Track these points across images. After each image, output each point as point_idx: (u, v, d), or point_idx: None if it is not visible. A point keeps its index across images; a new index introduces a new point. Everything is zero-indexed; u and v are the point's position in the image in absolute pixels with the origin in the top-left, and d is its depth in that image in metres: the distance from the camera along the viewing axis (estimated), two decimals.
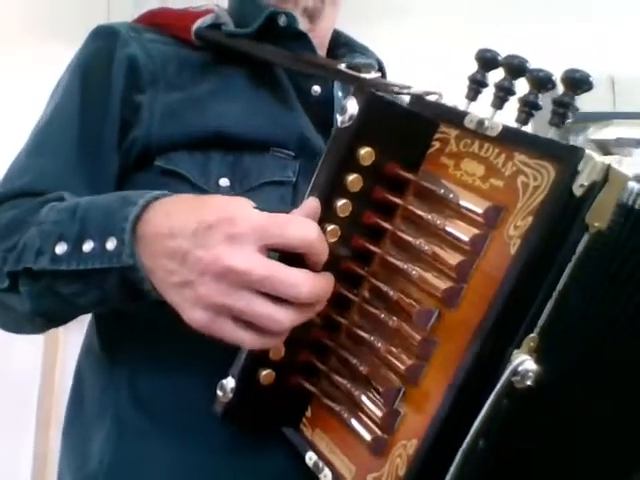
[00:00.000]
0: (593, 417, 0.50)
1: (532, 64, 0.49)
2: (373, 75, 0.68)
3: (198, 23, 0.73)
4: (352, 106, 0.50)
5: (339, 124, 0.51)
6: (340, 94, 0.76)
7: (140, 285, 0.53)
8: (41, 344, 1.96)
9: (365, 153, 0.51)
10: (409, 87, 0.64)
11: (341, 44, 0.83)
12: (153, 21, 0.77)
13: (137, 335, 0.67)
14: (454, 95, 0.57)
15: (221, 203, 0.50)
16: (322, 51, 0.79)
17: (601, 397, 0.50)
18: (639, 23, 2.18)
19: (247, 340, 0.49)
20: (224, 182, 0.66)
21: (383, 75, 0.81)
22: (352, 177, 0.51)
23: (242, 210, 0.49)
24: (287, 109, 0.72)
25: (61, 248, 0.56)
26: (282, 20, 0.72)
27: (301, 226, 0.48)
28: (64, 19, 2.00)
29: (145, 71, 0.70)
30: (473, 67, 0.53)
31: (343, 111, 0.50)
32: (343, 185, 0.51)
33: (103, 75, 0.70)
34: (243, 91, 0.71)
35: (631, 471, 0.52)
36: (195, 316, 0.49)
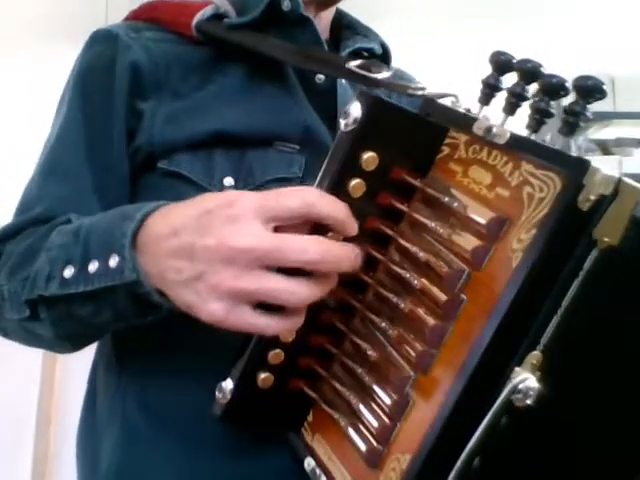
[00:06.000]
0: (595, 433, 0.47)
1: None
2: (385, 75, 0.65)
3: (198, 17, 0.70)
4: (356, 110, 0.48)
5: (342, 127, 0.49)
6: (344, 81, 0.73)
7: (149, 298, 0.52)
8: None
9: (368, 158, 0.50)
10: (423, 88, 0.61)
11: (344, 26, 0.80)
12: (152, 15, 0.74)
13: (146, 343, 0.67)
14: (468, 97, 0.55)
15: (218, 193, 0.50)
16: (325, 34, 0.76)
17: (604, 414, 0.47)
18: (639, 23, 2.10)
19: (267, 325, 0.47)
20: (228, 181, 0.65)
21: (387, 58, 0.79)
22: (354, 182, 0.50)
23: (239, 194, 0.48)
24: (291, 101, 0.70)
25: (69, 272, 0.55)
26: (285, 5, 0.70)
27: (297, 192, 0.47)
28: (64, 19, 1.99)
29: (148, 78, 0.68)
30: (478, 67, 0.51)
31: (346, 115, 0.49)
32: (345, 190, 0.50)
33: (105, 83, 0.68)
34: (245, 88, 0.69)
35: None
36: (212, 309, 0.47)
